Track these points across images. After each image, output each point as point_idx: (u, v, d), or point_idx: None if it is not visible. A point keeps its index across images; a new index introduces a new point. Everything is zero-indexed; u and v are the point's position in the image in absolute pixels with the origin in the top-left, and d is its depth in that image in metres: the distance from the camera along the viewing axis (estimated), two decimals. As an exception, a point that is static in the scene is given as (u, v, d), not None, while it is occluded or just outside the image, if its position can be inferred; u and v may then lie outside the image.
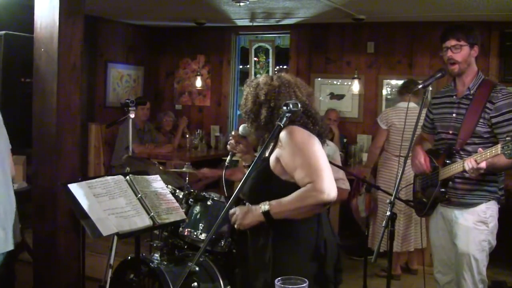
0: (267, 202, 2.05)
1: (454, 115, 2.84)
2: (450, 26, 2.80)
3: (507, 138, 2.34)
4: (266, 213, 2.04)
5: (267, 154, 2.17)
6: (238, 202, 2.26)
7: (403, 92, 4.73)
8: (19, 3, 4.68)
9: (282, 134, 2.08)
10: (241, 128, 2.44)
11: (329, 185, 1.98)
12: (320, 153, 2.06)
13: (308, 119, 2.15)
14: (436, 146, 2.98)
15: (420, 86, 2.71)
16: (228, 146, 2.51)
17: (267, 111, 2.15)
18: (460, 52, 2.74)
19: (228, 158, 2.55)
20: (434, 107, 2.99)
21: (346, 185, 3.90)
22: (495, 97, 2.70)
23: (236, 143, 2.47)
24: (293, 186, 2.03)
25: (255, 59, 7.20)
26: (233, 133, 2.51)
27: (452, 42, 2.74)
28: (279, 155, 2.09)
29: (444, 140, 2.89)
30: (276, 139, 2.12)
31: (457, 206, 2.82)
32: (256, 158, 1.97)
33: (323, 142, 2.19)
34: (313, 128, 2.15)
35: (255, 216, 2.08)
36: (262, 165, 2.14)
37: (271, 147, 2.16)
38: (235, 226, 2.19)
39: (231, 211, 2.20)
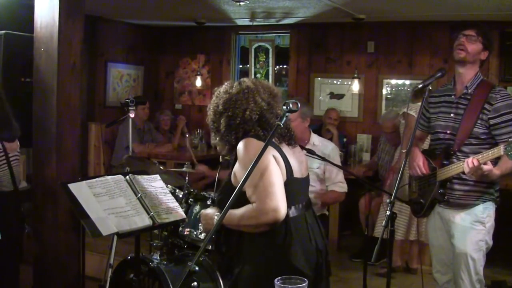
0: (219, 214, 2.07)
1: (452, 115, 2.83)
2: (477, 22, 2.85)
3: (510, 140, 2.34)
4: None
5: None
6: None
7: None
8: (19, 2, 4.68)
9: (238, 148, 2.09)
10: None
11: (273, 205, 1.96)
12: (269, 168, 2.01)
13: (260, 127, 2.12)
14: (433, 146, 2.98)
15: (420, 86, 2.71)
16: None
17: (226, 121, 2.14)
18: (473, 44, 2.76)
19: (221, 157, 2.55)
20: (431, 106, 2.98)
21: (344, 188, 3.92)
22: (493, 98, 2.70)
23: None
24: None
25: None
26: None
27: (471, 32, 2.76)
28: (234, 169, 2.10)
29: (441, 140, 2.88)
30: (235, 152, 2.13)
31: (454, 207, 2.82)
32: (250, 168, 1.91)
33: (290, 144, 2.18)
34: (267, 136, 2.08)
35: (213, 224, 2.11)
36: (227, 178, 2.18)
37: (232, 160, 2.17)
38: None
39: (199, 215, 2.31)
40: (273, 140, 2.10)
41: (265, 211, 1.96)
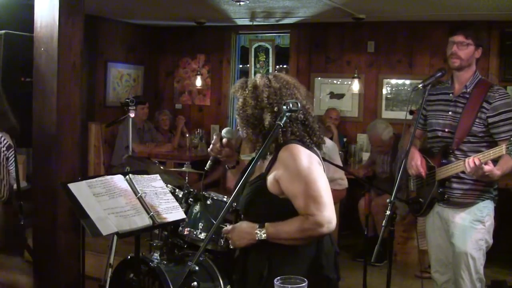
0: (264, 230, 1.97)
1: (450, 113, 2.84)
2: (462, 22, 2.84)
3: (511, 138, 2.34)
4: (262, 240, 1.98)
5: (264, 170, 2.04)
6: (236, 213, 2.22)
7: None
8: (19, 2, 4.68)
9: (283, 155, 1.97)
10: (224, 132, 2.32)
11: (329, 216, 1.91)
12: (321, 179, 1.95)
13: (305, 129, 2.03)
14: (431, 144, 2.98)
15: (420, 86, 2.72)
16: (211, 152, 2.32)
17: (272, 116, 1.99)
18: (465, 50, 2.77)
19: (209, 164, 2.38)
20: (429, 104, 2.98)
21: (343, 184, 3.92)
22: (492, 97, 2.71)
23: (221, 148, 2.29)
24: (290, 203, 1.96)
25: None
26: (215, 137, 2.31)
27: (460, 38, 2.77)
28: (278, 177, 1.97)
29: (439, 138, 2.88)
30: (275, 155, 2.00)
31: (454, 206, 2.82)
32: (251, 165, 1.92)
33: (319, 148, 2.10)
34: (311, 141, 2.04)
35: (250, 240, 2.01)
36: (258, 183, 2.03)
37: (268, 163, 2.03)
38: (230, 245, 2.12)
39: (225, 229, 2.13)
40: (312, 146, 2.03)
41: (322, 223, 1.90)
